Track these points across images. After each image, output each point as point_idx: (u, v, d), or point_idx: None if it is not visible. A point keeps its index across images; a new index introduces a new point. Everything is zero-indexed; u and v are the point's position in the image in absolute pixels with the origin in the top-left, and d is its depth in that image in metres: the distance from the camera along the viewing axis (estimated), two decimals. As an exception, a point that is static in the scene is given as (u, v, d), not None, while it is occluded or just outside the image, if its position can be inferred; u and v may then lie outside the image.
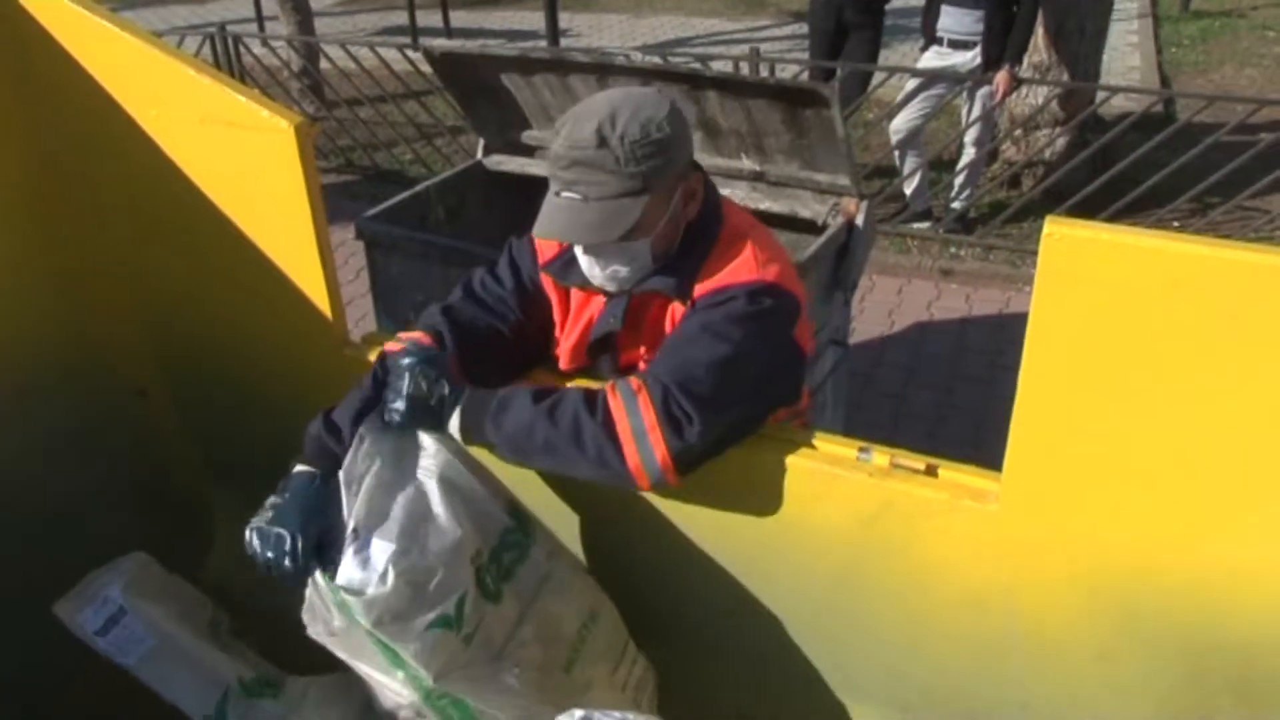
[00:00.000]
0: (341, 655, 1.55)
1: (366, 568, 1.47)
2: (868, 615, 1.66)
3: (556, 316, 1.88)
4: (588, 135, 1.59)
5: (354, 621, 1.44)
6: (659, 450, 1.51)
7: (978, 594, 1.53)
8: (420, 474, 1.58)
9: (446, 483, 1.58)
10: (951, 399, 4.19)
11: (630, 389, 1.55)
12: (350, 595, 1.44)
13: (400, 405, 1.60)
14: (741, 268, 1.66)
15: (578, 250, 1.70)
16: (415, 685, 1.50)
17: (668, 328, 1.72)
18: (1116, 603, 1.43)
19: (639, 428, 1.52)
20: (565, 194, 1.64)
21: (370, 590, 1.45)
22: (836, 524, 1.56)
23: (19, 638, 1.98)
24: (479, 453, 1.66)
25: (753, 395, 1.61)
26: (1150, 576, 1.38)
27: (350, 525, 1.50)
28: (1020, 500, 1.42)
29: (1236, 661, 1.38)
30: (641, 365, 1.77)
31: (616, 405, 1.54)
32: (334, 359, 1.89)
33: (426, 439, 1.60)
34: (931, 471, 1.51)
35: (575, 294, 1.83)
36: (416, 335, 1.74)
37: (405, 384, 1.61)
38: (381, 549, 1.48)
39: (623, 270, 1.68)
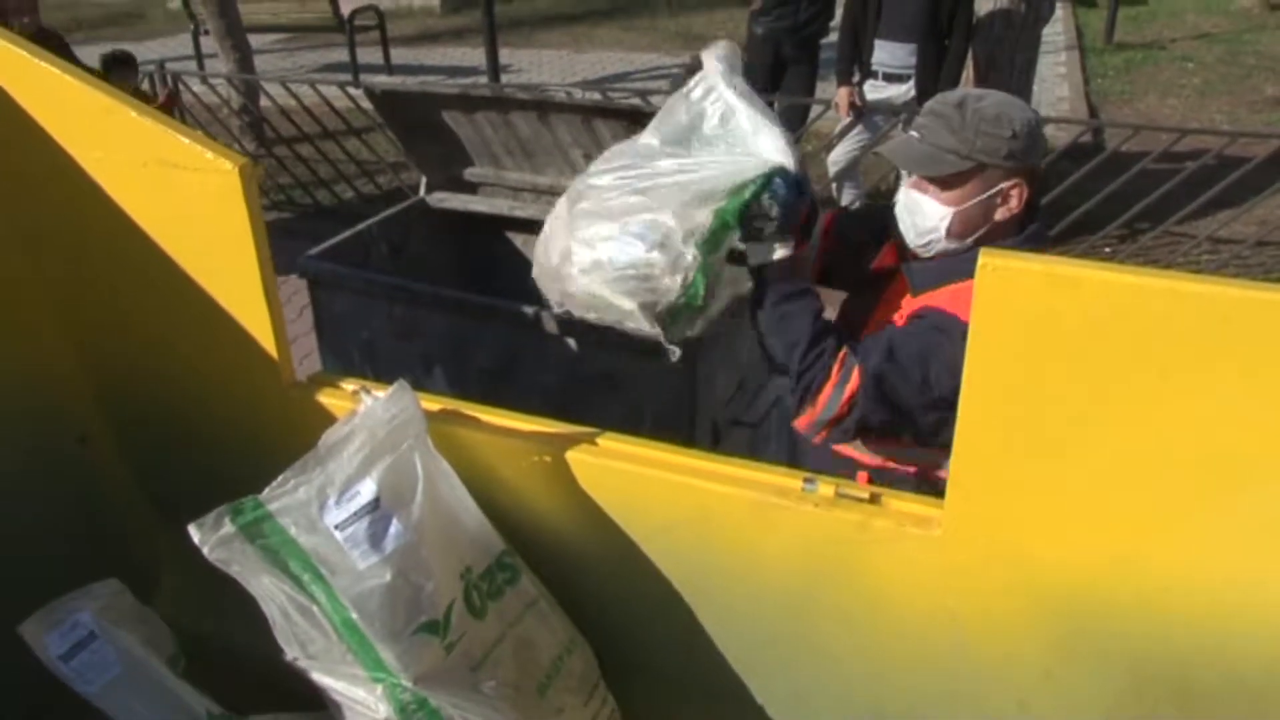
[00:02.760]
0: (316, 675, 1.55)
1: (376, 546, 1.48)
2: (819, 644, 1.68)
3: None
4: (954, 98, 1.88)
5: (344, 615, 1.45)
6: (820, 435, 1.88)
7: (926, 618, 1.56)
8: (435, 476, 1.61)
9: (455, 495, 1.64)
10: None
11: (851, 375, 1.82)
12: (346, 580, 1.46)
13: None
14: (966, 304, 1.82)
15: (901, 195, 1.96)
16: (391, 696, 1.50)
17: (900, 310, 1.99)
18: (1060, 622, 1.47)
19: (830, 410, 1.84)
20: (911, 132, 1.93)
21: (371, 572, 1.47)
22: (785, 554, 1.58)
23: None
24: (481, 484, 1.71)
25: (918, 420, 1.84)
26: (1092, 595, 1.42)
27: (374, 491, 1.51)
28: (963, 526, 1.45)
29: (1176, 673, 1.42)
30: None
31: (830, 385, 1.84)
32: (280, 399, 1.88)
33: (434, 454, 1.63)
34: (876, 500, 1.54)
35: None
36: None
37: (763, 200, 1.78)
38: (396, 534, 1.50)
39: (922, 221, 1.91)
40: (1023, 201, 1.88)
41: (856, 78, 5.43)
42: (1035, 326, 1.27)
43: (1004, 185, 1.85)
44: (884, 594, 1.57)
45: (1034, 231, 1.93)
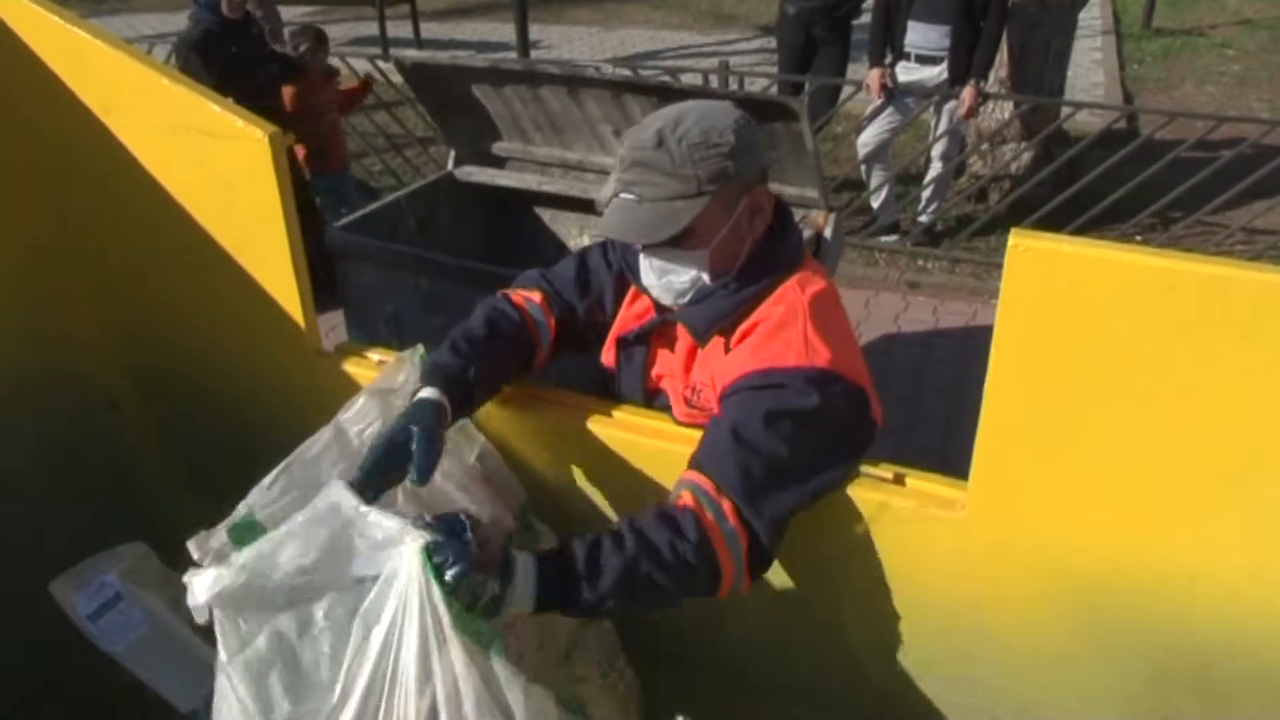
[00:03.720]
0: None
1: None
2: (837, 624, 1.68)
3: (617, 309, 1.85)
4: (648, 137, 1.57)
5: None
6: (746, 580, 1.48)
7: (945, 601, 1.56)
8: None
9: (456, 482, 1.62)
10: (918, 409, 4.23)
11: (720, 511, 1.45)
12: None
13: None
14: (786, 349, 1.56)
15: (640, 257, 1.66)
16: None
17: (686, 359, 1.71)
18: (1082, 607, 1.46)
19: (737, 557, 1.46)
20: (623, 195, 1.60)
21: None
22: (804, 532, 1.57)
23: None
24: (508, 458, 1.73)
25: (814, 491, 1.53)
26: (1114, 581, 1.41)
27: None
28: (987, 508, 1.44)
29: (1198, 663, 1.41)
30: (663, 385, 1.75)
31: (717, 537, 1.44)
32: (307, 369, 1.89)
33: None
34: (899, 480, 1.53)
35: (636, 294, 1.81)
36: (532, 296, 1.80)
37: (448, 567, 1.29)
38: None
39: (678, 281, 1.63)
40: (772, 202, 1.67)
41: (889, 59, 5.38)
42: (1064, 309, 1.26)
43: (747, 199, 1.61)
44: (904, 575, 1.57)
45: (793, 240, 1.71)
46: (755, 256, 1.65)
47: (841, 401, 1.53)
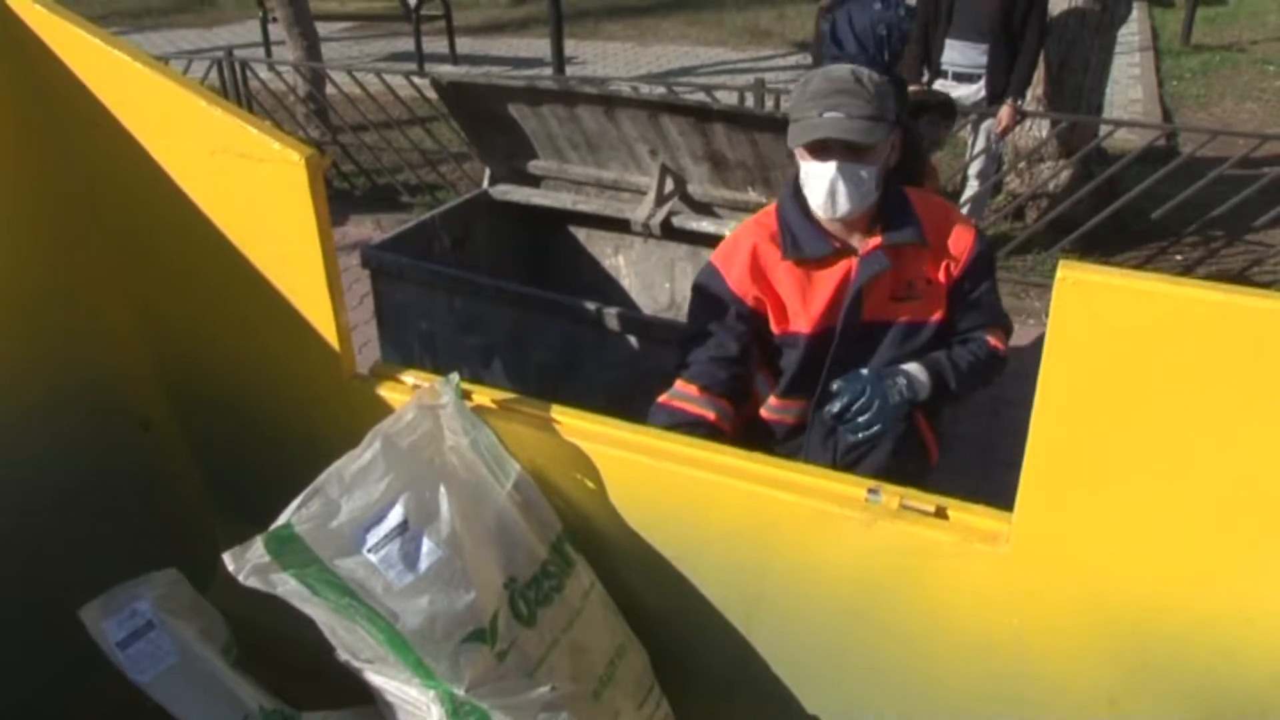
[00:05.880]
0: (368, 675, 1.56)
1: (411, 566, 1.48)
2: (876, 657, 1.65)
3: (788, 299, 2.27)
4: (845, 74, 2.10)
5: (390, 632, 1.44)
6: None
7: (987, 637, 1.52)
8: (466, 493, 1.59)
9: (493, 508, 1.63)
10: (956, 429, 4.18)
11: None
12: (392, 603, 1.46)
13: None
14: (964, 226, 2.34)
15: (821, 175, 2.13)
16: (445, 701, 1.50)
17: (895, 273, 2.24)
18: (1128, 647, 1.42)
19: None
20: (829, 114, 2.09)
21: (409, 591, 1.47)
22: (845, 565, 1.55)
23: (10, 672, 1.96)
24: (539, 481, 1.73)
25: None
26: (1162, 620, 1.37)
27: (401, 515, 1.50)
28: (1031, 543, 1.41)
29: (1250, 708, 1.37)
30: (887, 314, 2.27)
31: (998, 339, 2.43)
32: (342, 391, 1.88)
33: (469, 466, 1.63)
34: (941, 513, 1.50)
35: (810, 270, 2.25)
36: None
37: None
38: (429, 552, 1.49)
39: (856, 190, 2.13)
40: (900, 139, 2.24)
41: (925, 77, 5.35)
42: (1114, 342, 1.23)
43: (893, 136, 2.17)
44: (946, 610, 1.54)
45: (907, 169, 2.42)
46: (886, 180, 2.22)
47: None
